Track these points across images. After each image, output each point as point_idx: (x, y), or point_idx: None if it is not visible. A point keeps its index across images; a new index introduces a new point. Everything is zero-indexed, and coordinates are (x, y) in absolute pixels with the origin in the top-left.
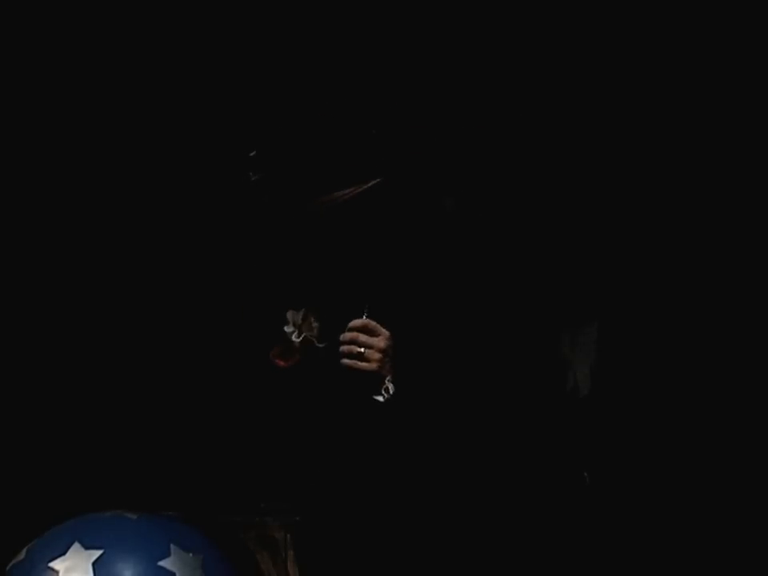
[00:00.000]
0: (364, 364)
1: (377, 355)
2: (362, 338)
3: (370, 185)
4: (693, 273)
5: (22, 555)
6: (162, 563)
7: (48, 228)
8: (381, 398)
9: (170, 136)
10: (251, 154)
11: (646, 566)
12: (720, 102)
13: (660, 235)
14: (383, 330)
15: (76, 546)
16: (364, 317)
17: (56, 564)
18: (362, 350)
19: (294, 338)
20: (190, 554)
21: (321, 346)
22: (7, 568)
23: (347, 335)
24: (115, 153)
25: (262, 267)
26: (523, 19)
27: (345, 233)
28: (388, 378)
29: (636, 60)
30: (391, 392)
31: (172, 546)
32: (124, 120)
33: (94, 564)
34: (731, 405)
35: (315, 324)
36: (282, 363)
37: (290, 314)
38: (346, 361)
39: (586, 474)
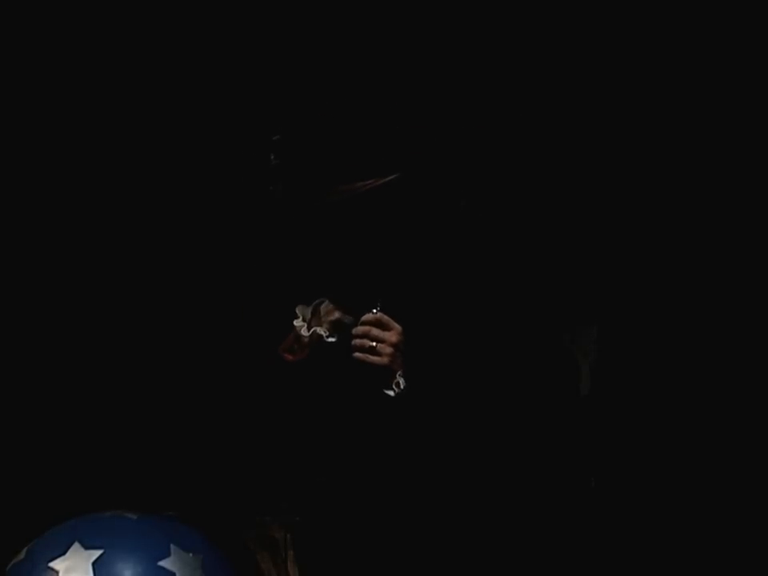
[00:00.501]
0: (375, 358)
1: (388, 349)
2: (374, 331)
3: (388, 179)
4: (691, 277)
5: (21, 555)
6: (162, 563)
7: (46, 223)
8: (392, 393)
9: (176, 130)
10: (274, 138)
11: (649, 566)
12: (720, 105)
13: (657, 242)
14: (395, 325)
15: (76, 546)
16: (376, 311)
17: (56, 564)
18: (374, 344)
19: (303, 332)
20: (190, 554)
21: (330, 340)
22: (7, 568)
23: (359, 329)
24: (117, 143)
25: (273, 261)
26: (538, 22)
27: (359, 226)
28: (399, 373)
29: (640, 63)
30: (402, 387)
31: (172, 546)
32: (127, 107)
33: (93, 564)
34: (730, 411)
35: (338, 315)
36: (290, 357)
37: (299, 309)
38: (357, 354)
39: (592, 478)
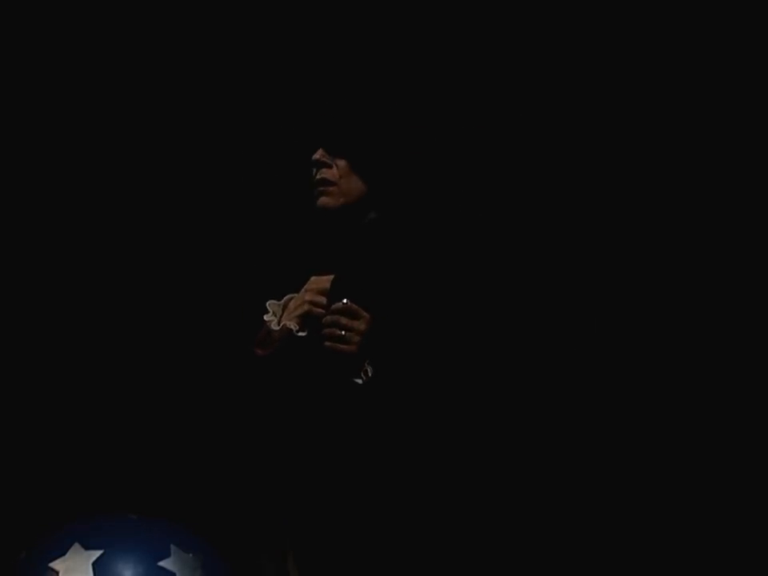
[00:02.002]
0: (344, 346)
1: (357, 338)
2: (343, 320)
3: None
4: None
5: (22, 555)
6: (162, 563)
7: (43, 220)
8: (360, 381)
9: (170, 132)
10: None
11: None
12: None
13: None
14: (364, 314)
15: (76, 546)
16: (345, 300)
17: (56, 564)
18: (343, 332)
19: (273, 326)
20: (190, 555)
21: (300, 335)
22: (8, 568)
23: (328, 318)
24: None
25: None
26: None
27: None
28: (367, 361)
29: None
30: (370, 375)
31: (172, 546)
32: (121, 104)
33: (93, 564)
34: (721, 416)
35: (307, 308)
36: (259, 352)
37: (270, 304)
38: (326, 343)
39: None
